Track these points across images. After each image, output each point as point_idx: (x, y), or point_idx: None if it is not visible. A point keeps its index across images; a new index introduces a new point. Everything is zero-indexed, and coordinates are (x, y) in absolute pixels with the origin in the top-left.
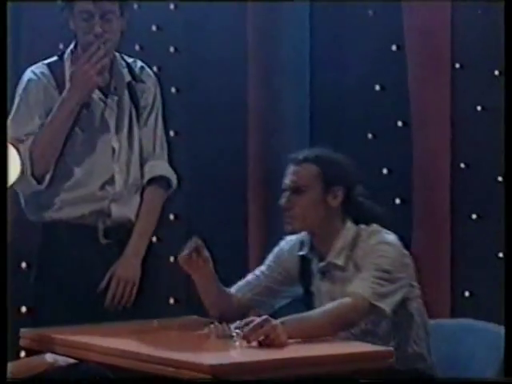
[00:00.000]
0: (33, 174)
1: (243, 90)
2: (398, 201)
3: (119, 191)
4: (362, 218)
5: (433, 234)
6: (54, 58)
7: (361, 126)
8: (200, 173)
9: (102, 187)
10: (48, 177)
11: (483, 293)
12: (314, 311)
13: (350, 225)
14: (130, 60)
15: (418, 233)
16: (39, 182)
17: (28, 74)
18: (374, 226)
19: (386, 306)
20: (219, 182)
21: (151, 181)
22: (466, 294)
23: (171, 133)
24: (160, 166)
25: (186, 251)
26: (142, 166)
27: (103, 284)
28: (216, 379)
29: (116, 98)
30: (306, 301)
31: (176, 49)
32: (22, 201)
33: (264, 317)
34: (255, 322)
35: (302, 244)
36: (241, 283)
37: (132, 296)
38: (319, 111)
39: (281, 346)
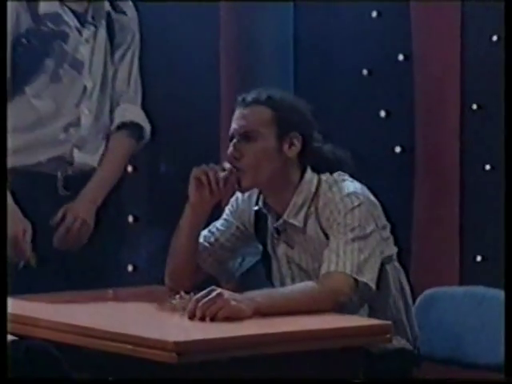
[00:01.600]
0: None
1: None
2: (397, 149)
3: (85, 135)
4: (323, 165)
5: (438, 189)
6: None
7: (354, 59)
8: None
9: (66, 129)
10: None
11: (497, 257)
12: (290, 290)
13: (309, 176)
14: None
15: (421, 187)
16: None
17: None
18: (336, 175)
19: (370, 277)
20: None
21: (121, 127)
22: (478, 258)
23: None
24: (132, 111)
25: (222, 172)
26: (112, 110)
27: (57, 219)
28: (181, 358)
29: (93, 28)
30: (265, 263)
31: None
32: None
33: (217, 290)
34: (206, 298)
35: (260, 194)
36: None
37: (84, 238)
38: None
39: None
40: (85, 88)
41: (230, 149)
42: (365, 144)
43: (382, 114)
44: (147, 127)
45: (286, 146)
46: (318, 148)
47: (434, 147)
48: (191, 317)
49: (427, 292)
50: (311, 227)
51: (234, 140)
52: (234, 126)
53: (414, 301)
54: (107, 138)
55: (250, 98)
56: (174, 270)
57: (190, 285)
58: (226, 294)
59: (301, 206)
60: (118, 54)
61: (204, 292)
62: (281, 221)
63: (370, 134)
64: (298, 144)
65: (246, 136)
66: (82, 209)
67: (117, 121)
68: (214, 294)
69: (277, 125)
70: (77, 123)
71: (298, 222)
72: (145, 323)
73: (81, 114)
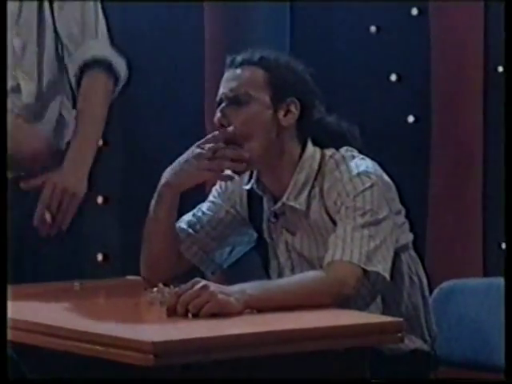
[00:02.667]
0: None
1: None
2: (410, 118)
3: (28, 103)
4: (326, 139)
5: (458, 165)
6: None
7: (360, 14)
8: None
9: (8, 96)
10: None
11: None
12: (286, 281)
13: (310, 150)
14: None
15: (438, 163)
16: None
17: None
18: (343, 150)
19: (381, 267)
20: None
21: (86, 67)
22: (503, 245)
23: None
24: (99, 47)
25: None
26: (61, 61)
27: (36, 182)
28: (159, 360)
29: None
30: (260, 252)
31: None
32: None
33: (202, 282)
34: (189, 291)
35: (251, 172)
36: (180, 226)
37: (71, 213)
38: None
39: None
40: (14, 49)
41: (218, 115)
42: (373, 113)
43: (393, 77)
44: (120, 65)
45: (281, 113)
46: (319, 119)
47: (453, 117)
48: (171, 313)
49: (445, 284)
50: (315, 210)
51: (223, 104)
52: (222, 89)
53: (429, 294)
54: (72, 86)
55: (240, 58)
56: (149, 259)
57: (170, 276)
58: (212, 286)
59: (302, 185)
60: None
61: (186, 284)
62: (279, 203)
63: (379, 101)
64: (295, 111)
65: (235, 100)
66: (64, 175)
67: (79, 60)
68: (197, 286)
69: (271, 88)
70: (17, 89)
71: (299, 204)
72: (117, 321)
73: (19, 79)
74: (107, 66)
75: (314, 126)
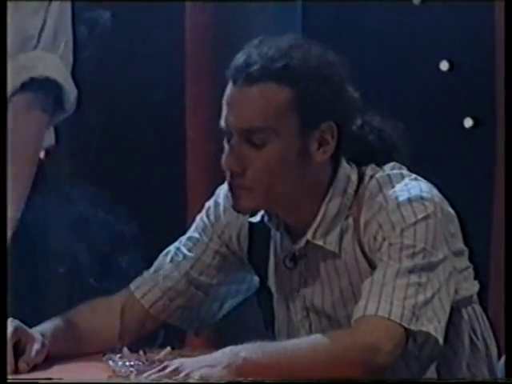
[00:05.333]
0: None
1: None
2: (468, 122)
3: None
4: (364, 156)
5: None
6: None
7: None
8: None
9: None
10: None
11: None
12: (296, 343)
13: (345, 170)
14: None
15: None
16: None
17: None
18: (389, 168)
19: (432, 327)
20: None
21: (27, 86)
22: None
23: None
24: (45, 62)
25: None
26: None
27: None
28: None
29: None
30: (264, 306)
31: None
32: None
33: (172, 366)
34: (157, 375)
35: None
36: (146, 278)
37: None
38: None
39: None
40: None
41: (228, 157)
42: (417, 117)
43: (444, 66)
44: (70, 88)
45: (314, 146)
46: (359, 135)
47: None
48: None
49: None
50: (348, 250)
51: (232, 141)
52: (229, 116)
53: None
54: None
55: (256, 70)
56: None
57: (135, 338)
58: (188, 366)
59: (334, 218)
60: None
61: (153, 370)
62: (302, 242)
63: (427, 99)
64: (332, 141)
65: (252, 138)
66: None
67: (16, 80)
68: (167, 370)
69: (301, 111)
70: None
71: (329, 243)
72: None
73: None
74: (55, 89)
75: (351, 143)
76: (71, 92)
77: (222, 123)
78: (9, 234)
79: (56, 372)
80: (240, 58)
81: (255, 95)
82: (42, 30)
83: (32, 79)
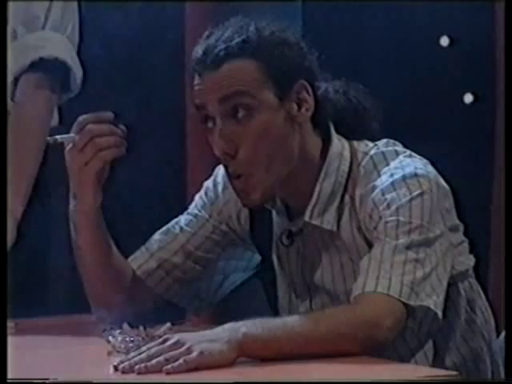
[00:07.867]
0: None
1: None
2: (468, 97)
3: None
4: (350, 129)
5: None
6: None
7: None
8: None
9: None
10: None
11: None
12: (297, 319)
13: (337, 146)
14: None
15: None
16: None
17: None
18: (382, 144)
19: (431, 300)
20: None
21: (35, 66)
22: None
23: None
24: (53, 42)
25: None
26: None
27: None
28: None
29: None
30: (266, 283)
31: None
32: None
33: (173, 339)
34: (157, 348)
35: None
36: (142, 250)
37: None
38: None
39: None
40: None
41: (218, 143)
42: (417, 93)
43: (444, 41)
44: (77, 69)
45: (293, 107)
46: (330, 97)
47: None
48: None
49: None
50: (346, 228)
51: (217, 124)
52: (204, 100)
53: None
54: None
55: (215, 53)
56: (93, 293)
57: (133, 312)
58: (189, 338)
59: (329, 196)
60: None
61: (154, 343)
62: (299, 222)
63: (426, 74)
64: (309, 98)
65: (232, 112)
66: None
67: (21, 60)
68: (168, 343)
69: (272, 80)
70: None
71: (326, 222)
72: (64, 374)
73: None
74: (63, 70)
75: (326, 107)
76: (77, 73)
77: (202, 113)
78: (19, 214)
79: (58, 347)
80: (198, 51)
81: (224, 75)
82: (48, 10)
83: (41, 59)
